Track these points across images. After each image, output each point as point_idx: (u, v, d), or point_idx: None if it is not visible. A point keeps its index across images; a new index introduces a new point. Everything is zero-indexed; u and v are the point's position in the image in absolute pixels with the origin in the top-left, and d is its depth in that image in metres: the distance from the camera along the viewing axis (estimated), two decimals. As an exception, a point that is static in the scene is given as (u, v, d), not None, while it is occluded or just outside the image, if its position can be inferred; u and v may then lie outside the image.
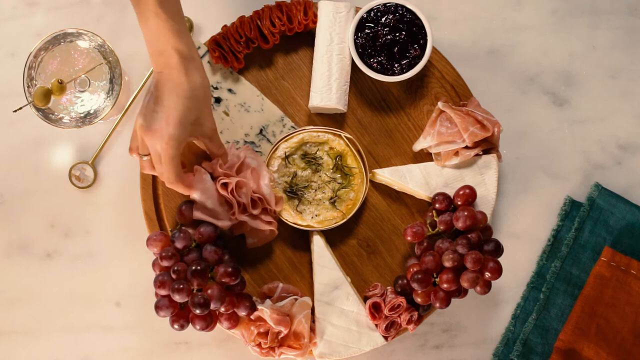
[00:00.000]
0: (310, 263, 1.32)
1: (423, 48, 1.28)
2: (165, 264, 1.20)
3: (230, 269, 1.19)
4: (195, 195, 1.24)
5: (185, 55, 1.14)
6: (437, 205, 1.28)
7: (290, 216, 1.30)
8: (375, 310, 1.28)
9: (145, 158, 1.19)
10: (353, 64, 1.31)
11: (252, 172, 1.26)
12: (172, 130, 1.13)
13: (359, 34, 1.29)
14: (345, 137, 1.31)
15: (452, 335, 1.36)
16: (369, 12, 1.29)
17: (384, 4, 1.28)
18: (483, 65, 1.39)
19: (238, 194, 1.25)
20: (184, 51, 1.14)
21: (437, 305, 1.23)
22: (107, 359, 1.35)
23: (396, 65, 1.28)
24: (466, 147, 1.29)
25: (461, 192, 1.28)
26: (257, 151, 1.33)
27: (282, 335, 1.25)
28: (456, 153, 1.29)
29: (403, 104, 1.35)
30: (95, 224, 1.36)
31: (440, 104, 1.30)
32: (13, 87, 1.33)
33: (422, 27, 1.28)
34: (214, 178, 1.26)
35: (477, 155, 1.30)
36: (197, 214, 1.25)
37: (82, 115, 1.31)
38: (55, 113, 1.30)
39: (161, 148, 1.14)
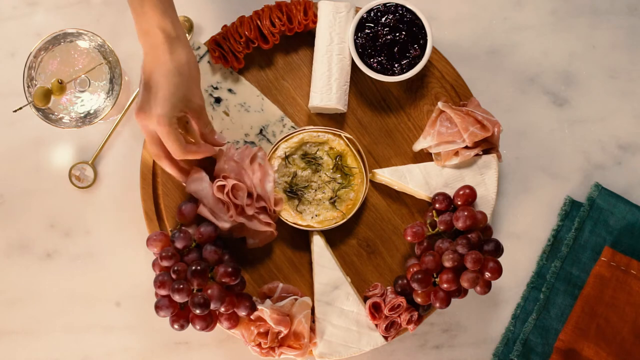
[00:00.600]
0: (310, 263, 1.32)
1: (423, 48, 1.28)
2: (165, 264, 1.20)
3: (230, 269, 1.19)
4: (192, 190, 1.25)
5: (169, 33, 1.15)
6: (437, 205, 1.28)
7: (290, 216, 1.30)
8: (375, 310, 1.28)
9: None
10: (353, 64, 1.31)
11: (260, 168, 1.27)
12: (159, 110, 1.14)
13: (359, 34, 1.29)
14: (345, 137, 1.31)
15: (452, 335, 1.36)
16: (369, 12, 1.29)
17: (384, 4, 1.28)
18: (483, 65, 1.39)
19: (235, 195, 1.25)
20: (169, 29, 1.15)
21: (437, 305, 1.23)
22: (107, 359, 1.35)
23: (396, 65, 1.28)
24: (466, 147, 1.29)
25: (461, 192, 1.28)
26: (257, 151, 1.33)
27: (282, 335, 1.25)
28: (456, 153, 1.29)
29: (403, 104, 1.35)
30: (95, 224, 1.36)
31: (440, 104, 1.30)
32: (13, 87, 1.33)
33: (422, 27, 1.28)
34: (212, 179, 1.27)
35: (477, 155, 1.30)
36: (202, 210, 1.25)
37: (82, 115, 1.31)
38: (55, 113, 1.30)
39: (155, 128, 1.16)
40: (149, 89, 1.15)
